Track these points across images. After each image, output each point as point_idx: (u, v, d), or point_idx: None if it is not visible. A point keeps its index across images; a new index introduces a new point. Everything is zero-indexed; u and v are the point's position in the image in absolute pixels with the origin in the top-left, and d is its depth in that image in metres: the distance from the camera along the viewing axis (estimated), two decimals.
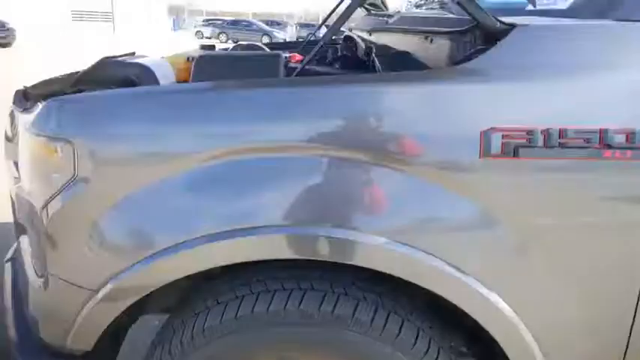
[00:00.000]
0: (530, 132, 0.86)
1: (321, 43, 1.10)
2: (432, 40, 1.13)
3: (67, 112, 0.98)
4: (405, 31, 1.20)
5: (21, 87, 1.33)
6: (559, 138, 0.85)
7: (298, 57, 2.40)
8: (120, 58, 1.34)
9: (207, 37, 28.16)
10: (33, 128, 1.01)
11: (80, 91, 1.24)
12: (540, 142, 0.86)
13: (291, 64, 2.29)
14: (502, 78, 0.90)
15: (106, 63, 1.29)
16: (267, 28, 26.94)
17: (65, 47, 17.79)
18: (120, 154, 0.95)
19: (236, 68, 1.15)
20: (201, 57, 1.15)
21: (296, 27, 32.83)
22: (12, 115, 1.28)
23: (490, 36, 0.98)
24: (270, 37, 25.53)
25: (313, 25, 37.76)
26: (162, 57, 1.64)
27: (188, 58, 1.65)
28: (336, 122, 0.91)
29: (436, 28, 1.09)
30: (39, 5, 28.73)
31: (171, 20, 46.33)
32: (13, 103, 1.29)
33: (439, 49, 1.10)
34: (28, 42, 16.59)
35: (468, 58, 0.95)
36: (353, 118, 0.91)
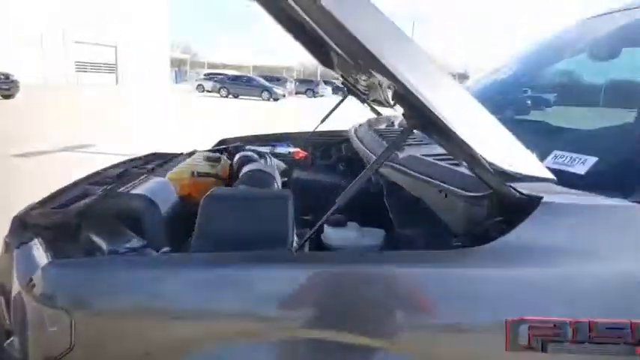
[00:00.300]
0: (558, 325, 0.81)
1: (370, 173, 1.04)
2: (446, 195, 1.10)
3: (65, 280, 0.92)
4: (417, 178, 1.17)
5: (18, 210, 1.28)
6: (589, 332, 0.81)
7: (302, 153, 2.40)
8: (123, 190, 1.31)
9: (207, 91, 28.73)
10: (28, 289, 0.95)
11: (81, 224, 1.20)
12: (569, 336, 0.81)
13: (297, 160, 2.29)
14: (527, 261, 0.86)
15: (110, 195, 1.26)
16: (266, 84, 27.52)
17: (68, 98, 18.06)
18: (117, 327, 0.89)
19: (245, 209, 1.10)
20: (209, 197, 1.11)
21: (295, 83, 33.69)
22: (7, 246, 1.23)
23: (510, 206, 0.96)
24: (270, 92, 26.05)
25: (311, 81, 38.84)
26: (170, 173, 1.62)
27: (193, 173, 1.63)
28: (351, 306, 0.86)
29: (452, 187, 1.06)
30: (44, 58, 29.48)
31: (173, 72, 47.51)
32: (9, 232, 1.24)
33: (454, 206, 1.07)
34: (30, 94, 16.82)
35: (489, 234, 0.92)
36: (367, 301, 0.87)
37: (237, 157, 1.84)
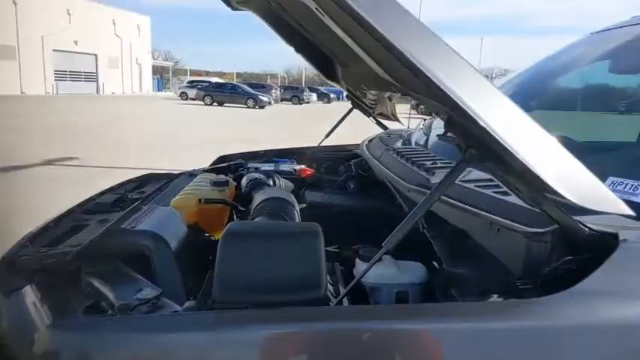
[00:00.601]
0: None
1: (422, 213, 0.91)
2: (498, 230, 0.98)
3: (71, 346, 0.78)
4: (462, 208, 1.05)
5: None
6: None
7: (308, 171, 2.27)
8: (124, 222, 1.16)
9: (191, 99, 28.44)
10: (26, 353, 0.81)
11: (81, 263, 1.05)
12: None
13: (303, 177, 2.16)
14: (614, 311, 0.75)
15: (113, 232, 1.11)
16: (251, 91, 27.29)
17: (49, 106, 17.67)
18: None
19: (270, 248, 0.97)
20: (228, 233, 0.98)
21: (280, 90, 33.53)
22: None
23: (578, 244, 0.85)
24: (255, 100, 25.82)
25: (297, 88, 38.74)
26: (174, 200, 1.48)
27: (200, 200, 1.49)
28: None
29: (507, 221, 0.95)
30: (24, 69, 28.94)
31: (155, 80, 47.10)
32: None
33: (510, 242, 0.95)
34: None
35: (558, 277, 0.81)
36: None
37: (245, 179, 1.70)
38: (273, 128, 15.32)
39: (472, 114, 0.72)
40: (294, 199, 1.40)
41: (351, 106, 2.44)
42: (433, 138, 1.81)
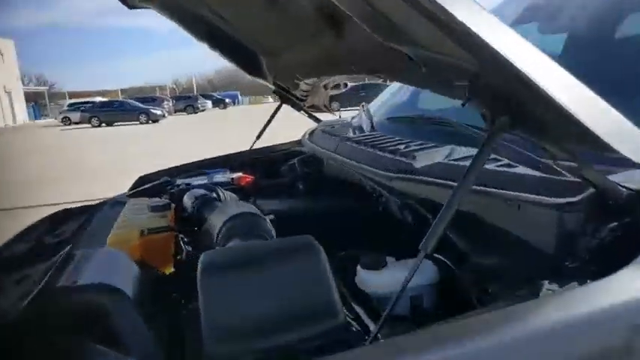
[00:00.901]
0: None
1: (458, 200, 0.76)
2: (519, 207, 0.87)
3: None
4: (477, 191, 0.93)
5: None
6: None
7: (247, 178, 2.06)
8: (65, 281, 0.89)
9: (75, 123, 26.32)
10: None
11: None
12: None
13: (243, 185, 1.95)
14: None
15: (50, 293, 0.84)
16: (142, 106, 25.79)
17: None
18: None
19: (263, 276, 0.79)
20: (209, 266, 0.78)
21: (172, 101, 32.05)
22: None
23: (614, 208, 0.76)
24: (148, 114, 24.48)
25: (189, 97, 37.27)
26: (110, 236, 1.21)
27: (142, 232, 1.24)
28: None
29: (525, 195, 0.84)
30: None
31: (30, 108, 43.04)
32: None
33: (535, 219, 0.84)
34: None
35: (605, 248, 0.71)
36: None
37: (188, 198, 1.46)
38: (180, 139, 14.58)
39: (512, 62, 0.60)
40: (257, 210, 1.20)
41: (279, 102, 2.28)
42: (384, 122, 1.70)
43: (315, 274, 0.80)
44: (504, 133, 0.72)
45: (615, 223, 0.76)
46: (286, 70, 1.82)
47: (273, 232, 1.06)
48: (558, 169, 0.81)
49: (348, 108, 5.73)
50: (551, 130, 0.71)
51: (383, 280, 0.94)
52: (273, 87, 2.18)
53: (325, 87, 1.95)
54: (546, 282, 0.75)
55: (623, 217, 0.76)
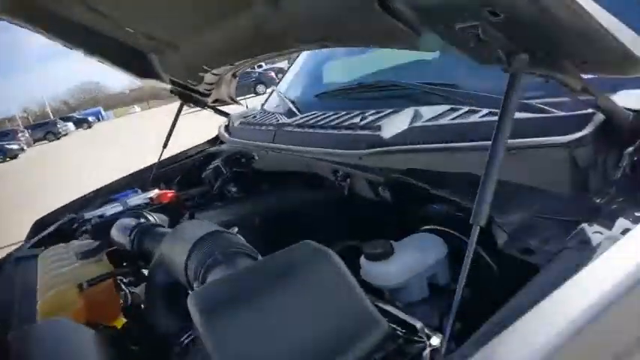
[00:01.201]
0: None
1: (501, 157, 0.65)
2: (530, 154, 0.79)
3: None
4: (466, 148, 0.85)
5: None
6: None
7: (169, 193, 1.83)
8: None
9: None
10: None
11: None
12: None
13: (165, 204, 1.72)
14: None
15: None
16: None
17: None
18: None
19: (281, 300, 0.65)
20: (210, 306, 0.62)
21: (28, 130, 28.66)
22: None
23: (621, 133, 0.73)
24: (3, 151, 21.69)
25: (47, 123, 33.59)
26: (42, 303, 0.96)
27: (81, 286, 1.00)
28: None
29: (527, 140, 0.78)
30: None
31: None
32: None
33: (542, 162, 0.78)
34: None
35: (627, 176, 0.68)
36: None
37: (119, 231, 1.22)
38: (49, 172, 13.07)
39: None
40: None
41: (179, 103, 2.05)
42: (311, 100, 1.58)
43: (339, 280, 0.67)
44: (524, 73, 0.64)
45: (631, 148, 0.73)
46: (187, 65, 1.62)
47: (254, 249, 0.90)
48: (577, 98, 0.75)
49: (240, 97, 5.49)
50: (571, 56, 0.65)
51: (394, 269, 0.84)
52: (169, 87, 1.95)
53: (235, 75, 1.77)
54: (586, 225, 0.70)
55: (635, 140, 0.74)
